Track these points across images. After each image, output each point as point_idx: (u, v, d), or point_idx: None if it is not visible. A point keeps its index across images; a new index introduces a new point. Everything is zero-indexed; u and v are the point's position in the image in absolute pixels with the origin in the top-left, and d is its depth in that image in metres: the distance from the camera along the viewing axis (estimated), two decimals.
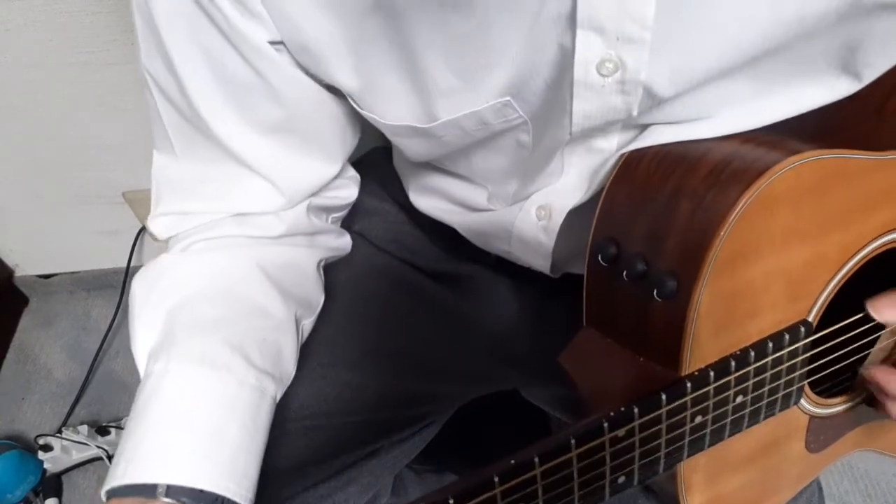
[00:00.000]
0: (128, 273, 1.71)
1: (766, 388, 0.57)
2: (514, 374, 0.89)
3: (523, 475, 0.47)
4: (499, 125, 0.60)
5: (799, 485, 0.70)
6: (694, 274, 0.49)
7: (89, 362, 1.70)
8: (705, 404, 0.54)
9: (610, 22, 0.49)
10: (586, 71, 0.53)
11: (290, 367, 0.70)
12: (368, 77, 0.60)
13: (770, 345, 0.55)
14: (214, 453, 0.58)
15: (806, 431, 0.66)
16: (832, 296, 0.58)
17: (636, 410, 0.50)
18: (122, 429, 1.53)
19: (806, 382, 0.61)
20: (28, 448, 1.53)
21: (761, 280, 0.53)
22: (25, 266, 1.82)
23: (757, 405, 0.58)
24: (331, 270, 0.81)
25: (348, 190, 0.79)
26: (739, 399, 0.56)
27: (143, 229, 1.68)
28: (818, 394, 0.65)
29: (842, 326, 0.62)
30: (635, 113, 0.55)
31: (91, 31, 1.24)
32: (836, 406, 0.67)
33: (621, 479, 0.54)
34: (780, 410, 0.60)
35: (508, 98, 0.57)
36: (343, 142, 0.71)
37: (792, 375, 0.59)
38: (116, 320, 1.75)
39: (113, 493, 0.56)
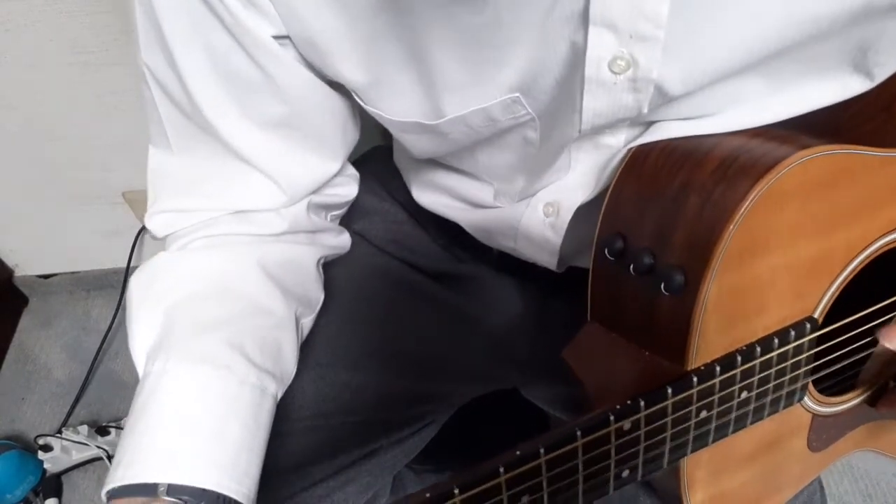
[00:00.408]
0: (128, 273, 1.71)
1: (770, 385, 0.57)
2: (514, 373, 0.89)
3: (528, 465, 0.47)
4: (506, 122, 0.60)
5: (800, 483, 0.70)
6: (702, 268, 0.49)
7: (89, 362, 1.71)
8: (710, 399, 0.54)
9: (623, 19, 0.49)
10: (598, 68, 0.53)
11: (290, 366, 0.70)
12: (375, 72, 0.60)
13: (776, 341, 0.55)
14: (216, 452, 0.58)
15: (808, 430, 0.66)
16: (838, 293, 0.58)
17: (642, 403, 0.50)
18: (122, 429, 1.52)
19: (810, 380, 0.61)
20: (28, 448, 1.53)
21: (768, 275, 0.53)
22: (25, 266, 1.82)
23: (761, 401, 0.58)
24: (330, 270, 0.81)
25: (348, 187, 0.79)
26: (744, 395, 0.56)
27: (143, 229, 1.68)
28: (821, 392, 0.65)
29: (846, 324, 0.62)
30: (645, 111, 0.55)
31: (91, 31, 1.25)
32: (839, 405, 0.67)
33: (625, 473, 0.54)
34: (784, 407, 0.60)
35: (517, 94, 0.57)
36: (344, 138, 0.71)
37: (796, 372, 0.58)
38: (116, 320, 1.75)
39: (114, 494, 0.56)
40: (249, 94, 0.62)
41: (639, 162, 0.57)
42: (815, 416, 0.65)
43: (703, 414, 0.54)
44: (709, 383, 0.53)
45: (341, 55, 0.59)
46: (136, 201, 1.61)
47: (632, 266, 0.54)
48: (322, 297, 0.78)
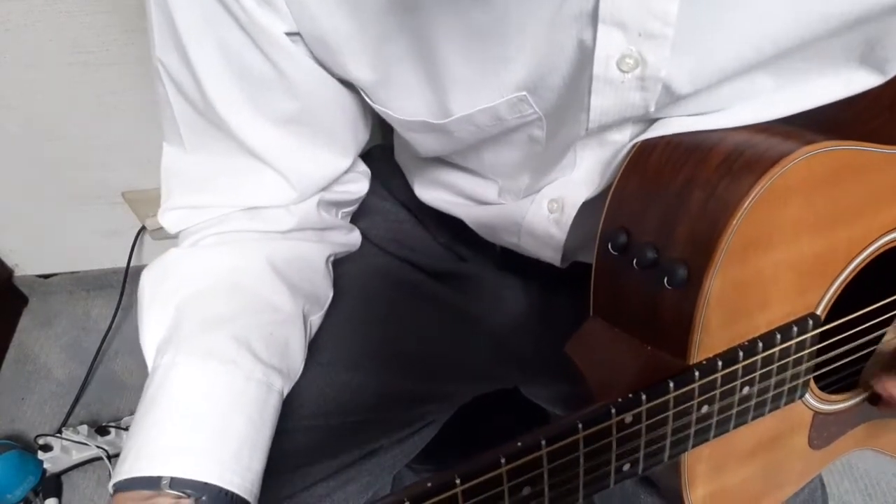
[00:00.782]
0: (127, 273, 1.71)
1: (772, 381, 0.57)
2: (515, 373, 0.89)
3: (529, 456, 0.47)
4: (513, 121, 0.60)
5: (801, 481, 0.70)
6: (705, 262, 0.49)
7: (89, 362, 1.70)
8: (712, 394, 0.54)
9: (632, 18, 0.49)
10: (606, 66, 0.53)
11: (297, 363, 0.70)
12: (384, 71, 0.60)
13: (778, 336, 0.55)
14: (220, 447, 0.58)
15: (809, 427, 0.66)
16: (841, 290, 0.58)
17: (644, 396, 0.51)
18: (122, 429, 1.54)
19: (812, 377, 0.61)
20: (28, 448, 1.53)
21: (771, 271, 0.53)
22: (25, 266, 1.82)
23: (763, 397, 0.58)
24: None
25: (359, 184, 0.79)
26: (746, 390, 0.56)
27: (143, 229, 1.68)
28: (823, 389, 0.65)
29: (849, 321, 0.62)
30: (652, 109, 0.56)
31: (91, 31, 1.25)
32: (840, 403, 0.67)
33: (626, 467, 0.54)
34: (786, 404, 0.60)
35: (524, 93, 0.57)
36: (355, 135, 0.71)
37: (798, 368, 0.59)
38: (116, 320, 1.75)
39: (119, 487, 0.56)
40: (262, 90, 0.63)
41: (643, 157, 0.57)
42: (817, 413, 0.65)
43: (705, 409, 0.55)
44: (710, 378, 0.53)
45: (351, 53, 0.59)
46: (136, 201, 1.61)
47: (635, 260, 0.55)
48: (331, 294, 0.78)
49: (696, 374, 0.52)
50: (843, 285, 0.58)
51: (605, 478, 0.53)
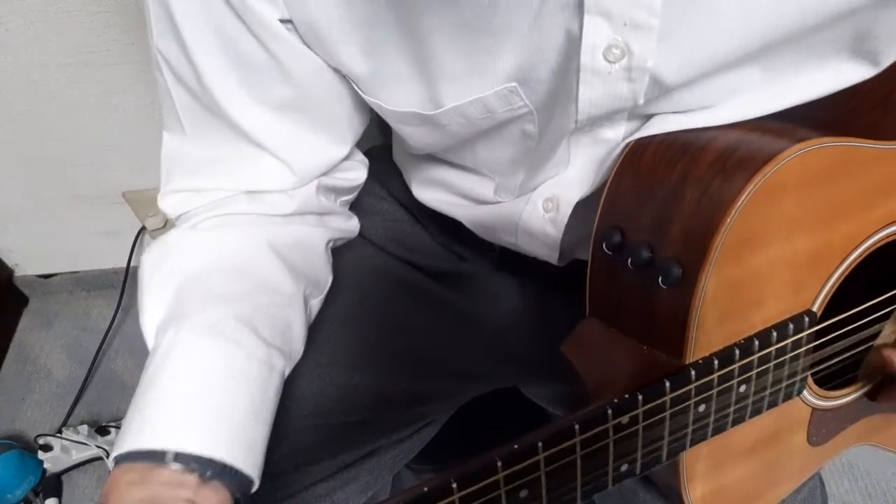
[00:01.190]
0: (128, 273, 1.71)
1: (769, 378, 0.57)
2: (514, 372, 0.89)
3: (527, 460, 0.47)
4: (504, 113, 0.60)
5: (800, 478, 0.70)
6: (700, 261, 0.49)
7: (89, 362, 1.71)
8: (709, 393, 0.54)
9: (618, 7, 0.50)
10: (593, 56, 0.53)
11: (298, 345, 0.70)
12: (374, 60, 0.60)
13: (774, 334, 0.55)
14: (224, 423, 0.58)
15: (808, 424, 0.66)
16: (836, 286, 0.58)
17: (640, 398, 0.51)
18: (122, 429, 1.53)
19: (809, 374, 0.61)
20: (28, 448, 1.53)
21: (766, 268, 0.53)
22: (25, 266, 1.82)
23: (760, 395, 0.58)
24: None
25: (357, 172, 0.79)
26: (743, 388, 0.56)
27: (143, 229, 1.68)
28: (821, 386, 0.65)
29: (845, 317, 0.62)
30: (641, 101, 0.56)
31: (91, 31, 1.25)
32: (839, 399, 0.67)
33: (624, 468, 0.54)
34: (783, 401, 0.60)
35: (514, 84, 0.57)
36: (352, 123, 0.71)
37: (795, 366, 0.59)
38: (116, 320, 1.75)
39: (121, 459, 0.55)
40: (258, 77, 0.63)
41: (637, 156, 0.57)
42: (815, 410, 0.65)
43: (702, 408, 0.54)
44: (707, 378, 0.53)
45: (341, 42, 0.59)
46: (136, 201, 1.61)
47: (630, 260, 0.55)
48: (330, 279, 0.78)
49: (693, 373, 0.52)
50: (839, 282, 0.58)
51: (602, 478, 0.53)
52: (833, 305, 0.59)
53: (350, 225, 0.84)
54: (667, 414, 0.53)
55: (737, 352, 0.54)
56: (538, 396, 0.94)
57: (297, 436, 0.73)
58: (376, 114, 0.69)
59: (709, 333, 0.52)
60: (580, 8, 0.50)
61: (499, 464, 0.46)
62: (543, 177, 0.69)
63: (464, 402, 0.89)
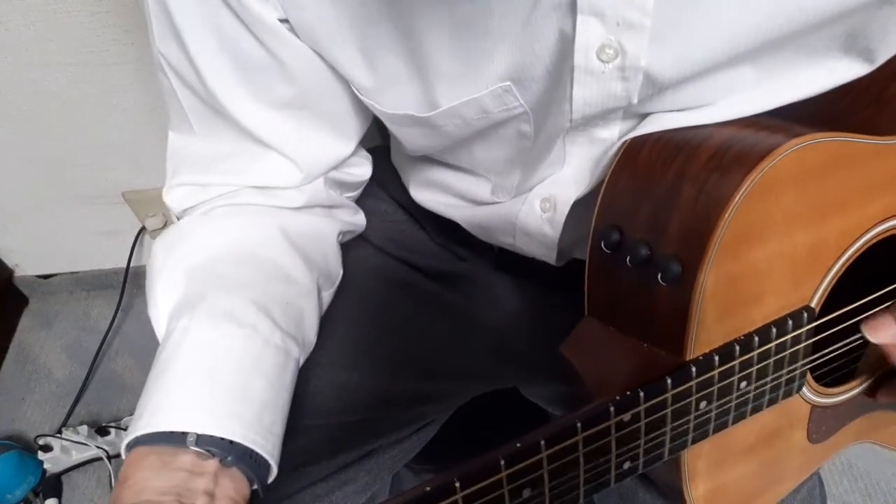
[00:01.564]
0: (128, 273, 1.71)
1: (769, 375, 0.57)
2: (513, 372, 0.89)
3: (529, 459, 0.47)
4: (499, 114, 0.60)
5: (801, 476, 0.70)
6: (698, 257, 0.49)
7: (89, 362, 1.71)
8: (710, 390, 0.54)
9: (610, 7, 0.50)
10: (587, 56, 0.53)
11: (311, 335, 0.70)
12: (370, 61, 0.60)
13: (774, 330, 0.55)
14: (243, 407, 0.58)
15: (808, 421, 0.66)
16: (834, 282, 0.58)
17: (642, 395, 0.51)
18: (122, 429, 1.54)
19: (808, 370, 0.61)
20: (28, 448, 1.53)
21: (765, 264, 0.53)
22: (25, 266, 1.83)
23: (760, 391, 0.58)
24: None
25: (362, 168, 0.79)
26: (743, 385, 0.56)
27: (142, 229, 1.68)
28: (820, 383, 0.65)
29: (843, 313, 0.62)
30: (635, 100, 0.56)
31: (91, 31, 1.25)
32: (838, 396, 0.67)
33: (626, 465, 0.54)
34: (783, 398, 0.60)
35: (509, 83, 0.57)
36: (356, 119, 0.71)
37: (794, 362, 0.59)
38: (116, 320, 1.75)
39: (138, 442, 0.55)
40: (260, 76, 0.63)
41: (633, 154, 0.57)
42: (815, 407, 0.65)
43: (703, 405, 0.55)
44: (708, 374, 0.53)
45: (337, 43, 0.59)
46: (136, 201, 1.61)
47: (628, 258, 0.55)
48: (341, 272, 0.79)
49: (694, 370, 0.52)
50: (837, 277, 0.58)
51: (605, 476, 0.53)
52: (831, 301, 0.59)
53: (357, 219, 0.84)
54: (668, 411, 0.53)
55: (737, 348, 0.54)
56: (537, 397, 0.94)
57: (296, 436, 0.73)
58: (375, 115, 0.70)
59: (708, 330, 0.52)
60: (573, 8, 0.50)
61: (502, 462, 0.46)
62: (540, 176, 0.69)
63: (463, 402, 0.89)
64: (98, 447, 1.51)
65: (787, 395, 0.60)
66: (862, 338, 0.62)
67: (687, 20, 0.50)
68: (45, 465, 1.52)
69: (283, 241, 0.69)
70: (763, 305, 0.55)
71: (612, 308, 0.59)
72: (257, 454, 0.57)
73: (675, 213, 0.52)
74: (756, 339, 0.54)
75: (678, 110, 0.58)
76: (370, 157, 0.81)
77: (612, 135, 0.62)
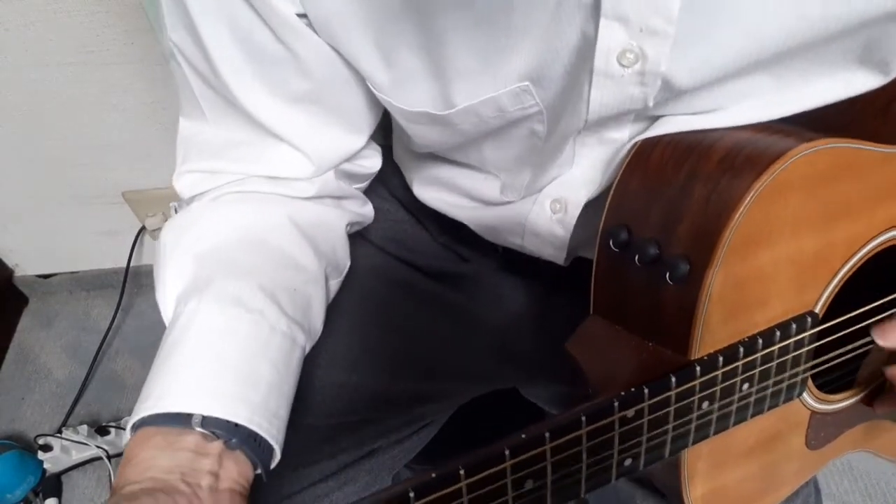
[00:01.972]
0: (128, 273, 1.71)
1: (771, 378, 0.58)
2: (514, 373, 0.89)
3: (534, 450, 0.47)
4: (515, 112, 0.60)
5: (798, 481, 0.71)
6: (707, 257, 0.50)
7: (89, 362, 1.71)
8: (713, 390, 0.54)
9: (634, 13, 0.49)
10: (607, 61, 0.53)
11: (318, 323, 0.70)
12: (388, 58, 0.60)
13: (777, 334, 0.55)
14: (249, 390, 0.58)
15: (807, 427, 0.66)
16: (839, 288, 0.58)
17: (646, 391, 0.51)
18: (122, 429, 1.54)
19: (810, 375, 0.61)
20: (28, 448, 1.53)
21: (771, 268, 0.53)
22: (25, 266, 1.83)
23: (762, 394, 0.58)
24: None
25: (373, 160, 0.79)
26: (746, 387, 0.56)
27: (142, 229, 1.68)
28: (821, 389, 0.65)
29: (846, 319, 0.62)
30: (651, 103, 0.55)
31: (91, 31, 1.25)
32: (838, 403, 0.67)
33: (628, 462, 0.54)
34: (784, 402, 0.61)
35: (527, 83, 0.57)
36: (368, 114, 0.71)
37: (797, 366, 0.59)
38: (116, 320, 1.76)
39: (142, 424, 0.55)
40: (274, 69, 0.63)
41: (644, 154, 0.57)
42: (814, 413, 0.66)
43: (706, 405, 0.55)
44: (711, 375, 0.53)
45: (355, 39, 0.59)
46: (136, 201, 1.61)
47: (637, 256, 0.55)
48: (349, 263, 0.79)
49: (698, 369, 0.52)
50: (841, 283, 0.58)
51: (607, 471, 0.53)
52: (836, 307, 0.60)
53: (366, 210, 0.84)
54: (671, 409, 0.53)
55: (741, 349, 0.54)
56: (537, 397, 0.94)
57: (296, 436, 0.72)
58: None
59: (714, 331, 0.53)
60: (596, 11, 0.50)
61: (507, 452, 0.46)
62: (549, 176, 0.69)
63: (463, 402, 0.89)
64: (98, 447, 1.51)
65: (789, 399, 0.61)
66: (864, 345, 0.62)
67: (710, 27, 0.50)
68: (45, 465, 1.51)
69: (293, 229, 0.69)
70: (768, 309, 0.55)
71: (618, 307, 0.60)
72: (261, 438, 0.57)
73: (686, 213, 0.52)
74: (760, 341, 0.55)
75: (691, 114, 0.58)
76: (380, 148, 0.80)
77: (623, 136, 0.62)
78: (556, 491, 0.50)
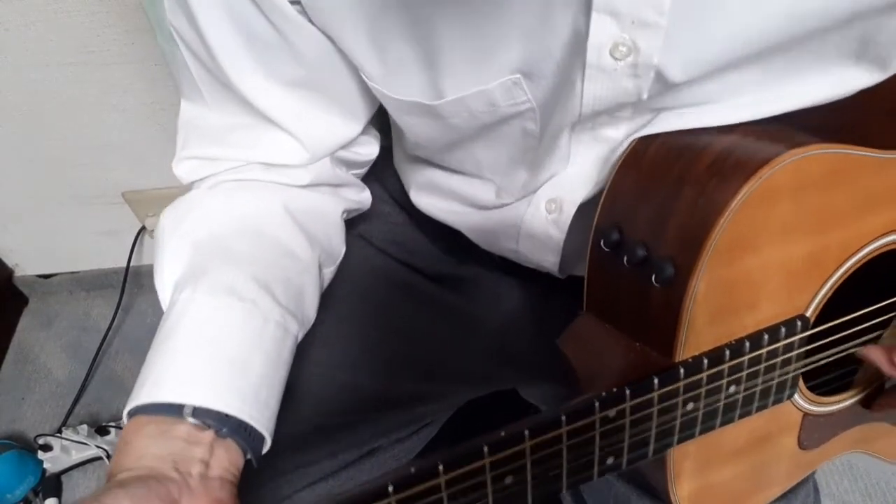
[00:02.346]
0: (128, 273, 1.71)
1: (759, 381, 0.58)
2: (513, 374, 0.89)
3: (513, 448, 0.48)
4: (506, 107, 0.60)
5: (789, 482, 0.71)
6: (692, 260, 0.50)
7: (89, 362, 1.71)
8: (697, 392, 0.54)
9: (626, 6, 0.49)
10: (599, 54, 0.53)
11: (311, 311, 0.71)
12: (380, 48, 0.60)
13: (765, 337, 0.55)
14: (240, 380, 0.59)
15: (799, 428, 0.66)
16: (832, 293, 0.58)
17: (628, 392, 0.51)
18: (122, 429, 1.53)
19: (801, 378, 0.61)
20: (28, 448, 1.53)
21: (760, 272, 0.53)
22: (25, 266, 1.83)
23: (749, 397, 0.58)
24: None
25: (370, 147, 0.79)
26: (732, 389, 0.56)
27: (142, 229, 1.68)
28: (815, 391, 0.65)
29: (838, 324, 0.62)
30: (645, 97, 0.55)
31: (91, 31, 1.25)
32: (831, 405, 0.67)
33: (610, 461, 0.54)
34: (773, 404, 0.60)
35: (518, 76, 0.57)
36: (365, 101, 0.71)
37: (786, 370, 0.59)
38: (116, 320, 1.75)
39: (137, 411, 0.56)
40: (270, 56, 0.63)
41: (638, 154, 0.58)
42: (807, 415, 0.65)
43: (690, 406, 0.55)
44: (696, 377, 0.53)
45: (347, 28, 0.59)
46: (136, 201, 1.61)
47: (626, 258, 0.55)
48: (343, 249, 0.79)
49: (682, 371, 0.52)
50: (834, 288, 0.58)
51: (588, 469, 0.53)
52: (828, 312, 0.60)
53: (363, 196, 0.84)
54: (654, 410, 0.53)
55: (727, 352, 0.54)
56: (537, 399, 0.94)
57: (296, 435, 0.74)
58: (379, 112, 0.70)
59: (699, 333, 0.53)
60: (588, 4, 0.50)
61: (485, 449, 0.47)
62: (545, 175, 0.68)
63: (463, 402, 0.89)
64: (98, 447, 1.51)
65: (778, 401, 0.61)
66: (858, 347, 0.62)
67: (702, 19, 0.50)
68: (45, 465, 1.51)
69: (287, 218, 0.70)
70: (757, 312, 0.55)
71: (609, 306, 0.60)
72: (252, 427, 0.58)
73: (674, 215, 0.52)
74: (747, 344, 0.55)
75: (685, 109, 0.58)
76: (379, 135, 0.80)
77: (619, 134, 0.62)
78: (537, 486, 0.51)
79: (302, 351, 0.72)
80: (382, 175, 0.89)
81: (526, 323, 0.90)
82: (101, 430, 1.55)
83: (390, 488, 0.45)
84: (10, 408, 1.68)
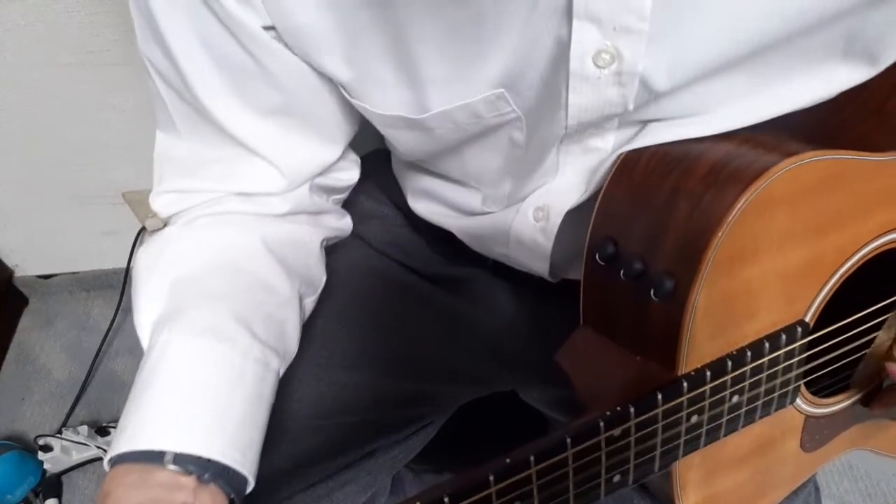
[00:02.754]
0: (128, 273, 1.70)
1: (762, 389, 0.57)
2: (511, 376, 0.89)
3: (519, 475, 0.47)
4: (492, 119, 0.60)
5: (793, 483, 0.71)
6: (691, 274, 0.50)
7: (89, 362, 1.70)
8: (701, 404, 0.54)
9: (607, 12, 0.49)
10: (582, 62, 0.53)
11: (293, 344, 0.70)
12: (360, 66, 0.60)
13: (766, 345, 0.55)
14: (221, 423, 0.58)
15: (801, 431, 0.66)
16: (829, 297, 0.58)
17: (632, 410, 0.51)
18: None
19: (802, 382, 0.61)
20: (28, 448, 1.53)
21: (758, 281, 0.53)
22: (25, 266, 1.82)
23: (753, 405, 0.58)
24: (328, 271, 0.81)
25: (349, 172, 0.79)
26: (735, 399, 0.56)
27: (143, 229, 1.67)
28: (814, 393, 0.65)
29: (838, 327, 0.62)
30: (631, 107, 0.55)
31: (91, 31, 1.25)
32: (832, 406, 0.67)
33: (616, 479, 0.54)
34: (776, 410, 0.60)
35: (502, 90, 0.57)
36: (342, 125, 0.71)
37: (788, 376, 0.59)
38: (116, 320, 1.75)
39: (119, 460, 0.56)
40: (246, 83, 0.63)
41: (629, 166, 0.57)
42: (808, 417, 0.65)
43: (694, 419, 0.55)
44: (699, 390, 0.53)
45: (325, 48, 0.59)
46: (136, 201, 1.61)
47: (622, 271, 0.55)
48: (324, 278, 0.79)
49: (685, 385, 0.52)
50: (832, 292, 0.58)
51: (595, 490, 0.53)
52: (826, 316, 0.59)
53: (343, 223, 0.84)
54: (659, 426, 0.53)
55: (729, 363, 0.54)
56: (535, 400, 0.94)
57: (296, 437, 0.73)
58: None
59: (700, 346, 0.53)
60: (569, 13, 0.50)
61: (491, 478, 0.46)
62: (532, 186, 0.68)
63: (462, 403, 0.89)
64: (98, 447, 1.52)
65: (781, 407, 0.61)
66: (858, 348, 0.62)
67: (684, 24, 0.50)
68: (45, 465, 1.51)
69: (265, 252, 0.69)
70: (757, 321, 0.55)
71: (606, 319, 0.60)
72: (235, 470, 0.58)
73: (670, 228, 0.52)
74: (749, 353, 0.55)
75: (673, 120, 0.57)
76: (359, 160, 0.80)
77: (607, 145, 0.62)
78: None
79: (300, 351, 0.72)
80: (381, 177, 0.89)
81: (522, 325, 0.90)
82: (102, 431, 1.55)
83: None
84: (10, 408, 1.68)
